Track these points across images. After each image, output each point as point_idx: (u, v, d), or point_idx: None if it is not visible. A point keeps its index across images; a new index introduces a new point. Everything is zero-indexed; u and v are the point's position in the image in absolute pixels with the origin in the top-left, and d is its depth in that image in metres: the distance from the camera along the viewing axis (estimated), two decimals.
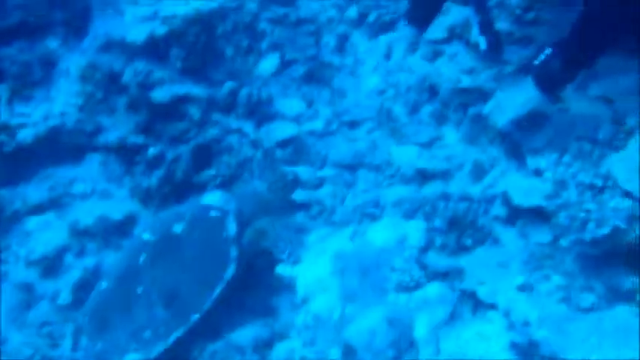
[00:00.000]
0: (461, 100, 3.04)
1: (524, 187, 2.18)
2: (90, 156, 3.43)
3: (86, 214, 3.19)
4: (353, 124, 3.40)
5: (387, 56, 3.61)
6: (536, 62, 2.10)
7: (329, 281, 2.28)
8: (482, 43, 2.37)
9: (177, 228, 2.58)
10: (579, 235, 1.85)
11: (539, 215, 2.12)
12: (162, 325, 2.43)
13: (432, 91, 3.23)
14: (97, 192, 3.37)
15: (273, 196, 2.79)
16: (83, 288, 2.91)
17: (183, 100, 3.39)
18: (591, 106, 2.19)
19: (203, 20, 3.41)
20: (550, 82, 2.11)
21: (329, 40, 3.83)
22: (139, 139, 3.36)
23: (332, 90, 3.63)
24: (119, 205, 3.28)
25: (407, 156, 3.10)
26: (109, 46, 3.38)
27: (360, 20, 3.85)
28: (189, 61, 3.42)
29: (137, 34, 3.32)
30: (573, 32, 2.04)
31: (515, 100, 2.23)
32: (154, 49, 3.37)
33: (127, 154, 3.39)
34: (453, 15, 3.12)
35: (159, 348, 2.35)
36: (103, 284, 2.68)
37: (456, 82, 2.99)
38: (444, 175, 2.90)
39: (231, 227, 2.53)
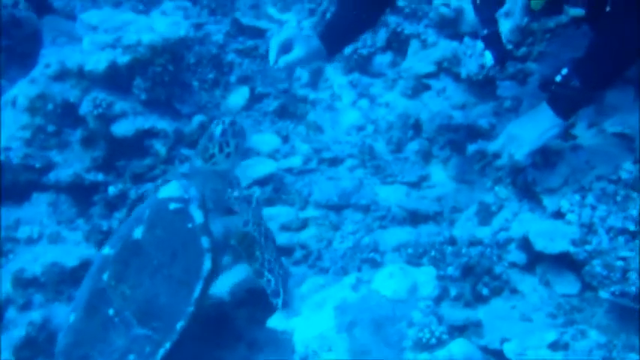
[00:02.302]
0: (449, 136, 2.93)
1: (545, 231, 2.04)
2: (38, 196, 3.03)
3: (33, 261, 2.79)
4: (334, 162, 3.20)
5: (367, 90, 3.46)
6: (557, 79, 2.00)
7: (334, 338, 2.02)
8: (489, 57, 2.27)
9: (137, 233, 2.18)
10: (622, 287, 1.71)
11: (562, 262, 1.98)
12: (146, 344, 2.08)
13: (417, 128, 3.10)
14: (45, 236, 2.97)
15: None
16: (29, 346, 2.51)
17: (148, 133, 3.08)
18: (608, 143, 2.11)
19: (171, 49, 3.13)
20: (569, 104, 2.01)
21: (301, 73, 3.66)
22: (97, 177, 3.02)
23: (308, 125, 3.43)
24: (72, 250, 2.89)
25: (395, 196, 2.94)
26: (64, 75, 3.03)
27: None
28: (154, 93, 3.13)
29: (97, 62, 3.00)
30: (590, 53, 1.96)
31: (525, 135, 2.11)
32: (116, 79, 3.06)
33: (81, 194, 3.03)
34: (440, 48, 3.02)
35: None
36: (72, 317, 2.27)
37: (445, 118, 2.87)
38: (438, 217, 2.76)
39: (197, 215, 2.18)
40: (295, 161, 3.22)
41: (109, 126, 3.01)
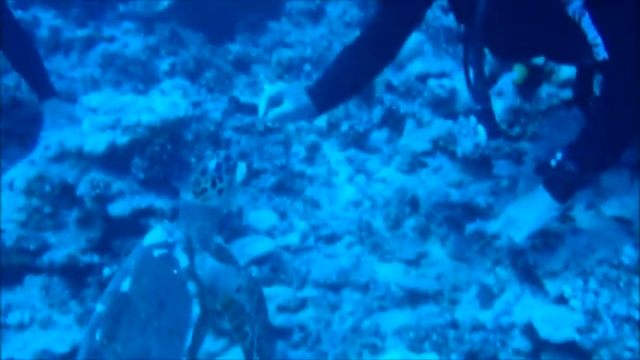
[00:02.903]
0: (447, 213, 2.93)
1: (549, 318, 2.00)
2: (31, 278, 2.98)
3: (23, 348, 2.71)
4: (331, 239, 3.18)
5: (363, 166, 3.49)
6: (552, 164, 2.00)
7: None
8: (482, 132, 2.27)
9: (125, 285, 2.06)
10: None
11: (568, 351, 1.93)
12: None
13: (414, 204, 3.11)
14: (36, 321, 2.90)
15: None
16: None
17: (146, 213, 3.07)
18: (607, 226, 2.11)
19: (169, 129, 3.17)
20: (565, 188, 2.01)
21: (298, 149, 3.70)
22: (93, 258, 2.98)
23: (305, 201, 3.43)
24: (64, 335, 2.82)
25: (393, 274, 2.90)
26: (63, 156, 3.06)
27: (330, 130, 3.76)
28: (152, 172, 3.14)
29: (96, 143, 3.02)
30: (583, 137, 1.98)
31: (523, 217, 2.11)
32: (114, 160, 3.07)
33: (75, 275, 2.98)
34: (436, 127, 3.07)
35: None
36: None
37: (442, 196, 2.88)
38: (438, 296, 2.72)
39: (182, 259, 2.06)
40: (293, 239, 3.19)
41: (105, 206, 3.01)
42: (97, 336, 2.06)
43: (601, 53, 1.79)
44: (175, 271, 2.05)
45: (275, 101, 2.24)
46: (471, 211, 2.79)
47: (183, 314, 2.02)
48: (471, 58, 2.19)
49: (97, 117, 3.10)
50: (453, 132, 2.93)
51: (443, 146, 2.99)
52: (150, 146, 3.12)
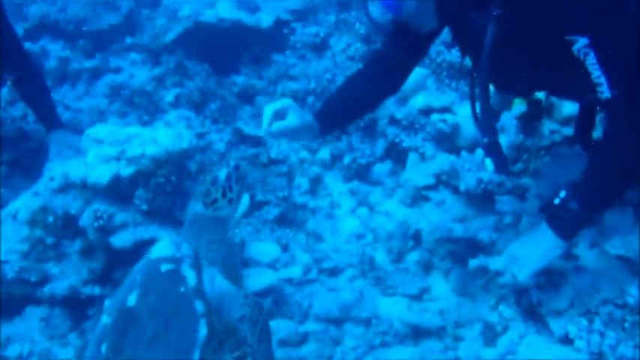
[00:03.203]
0: (449, 247, 2.92)
1: (554, 358, 1.97)
2: (31, 309, 2.97)
3: None
4: (334, 272, 3.17)
5: (366, 199, 3.50)
6: (556, 202, 2.00)
7: None
8: (490, 165, 2.27)
9: (131, 299, 1.99)
10: None
11: None
12: None
13: (417, 238, 3.10)
14: (35, 354, 2.87)
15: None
16: None
17: (148, 244, 3.06)
18: (611, 266, 2.10)
19: (173, 161, 3.19)
20: (569, 226, 2.01)
21: (301, 181, 3.71)
22: (94, 290, 2.97)
23: (307, 233, 3.43)
24: None
25: (396, 309, 2.88)
26: (67, 187, 3.06)
27: (333, 162, 3.78)
28: (155, 203, 3.14)
29: (100, 174, 3.03)
30: (587, 176, 1.98)
31: (527, 255, 2.10)
32: (118, 191, 3.08)
33: (76, 307, 2.97)
34: (439, 161, 3.09)
35: None
36: None
37: (445, 231, 2.87)
38: (441, 332, 2.69)
39: (189, 276, 2.00)
40: (295, 271, 3.18)
41: (108, 237, 3.00)
42: (103, 349, 1.98)
43: (605, 92, 1.81)
44: (182, 289, 1.98)
45: (279, 115, 2.23)
46: (474, 246, 2.78)
47: (190, 334, 1.97)
48: (478, 91, 2.21)
49: (102, 148, 3.12)
50: (455, 167, 2.94)
51: (446, 181, 2.99)
52: (154, 178, 3.13)
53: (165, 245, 2.06)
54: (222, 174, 2.07)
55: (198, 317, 1.96)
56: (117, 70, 4.85)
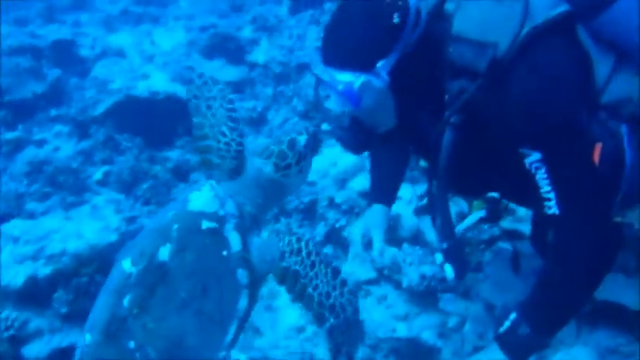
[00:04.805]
0: (393, 345, 2.81)
1: None
2: None
3: None
4: None
5: None
6: (502, 330, 1.91)
7: None
8: (449, 271, 2.16)
9: (164, 253, 1.79)
10: None
11: None
12: None
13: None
14: None
15: None
16: None
17: (66, 353, 2.78)
18: None
19: (98, 256, 2.95)
20: (521, 350, 1.92)
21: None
22: None
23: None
24: None
25: None
26: None
27: None
28: (76, 305, 2.88)
29: (13, 277, 2.76)
30: (539, 297, 1.90)
31: None
32: (34, 294, 2.81)
33: None
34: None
35: None
36: (87, 337, 1.80)
37: (388, 330, 2.77)
38: None
39: (233, 240, 1.82)
40: None
41: (19, 348, 2.71)
42: (126, 302, 1.75)
43: (552, 208, 1.76)
44: (225, 253, 1.79)
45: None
46: (419, 348, 2.68)
47: (229, 304, 1.78)
48: (435, 194, 2.13)
49: (17, 247, 2.86)
50: (397, 260, 2.86)
51: (387, 275, 2.90)
52: (75, 277, 2.89)
53: (206, 197, 1.86)
54: (302, 140, 1.90)
55: (240, 288, 1.78)
56: (40, 143, 4.56)
